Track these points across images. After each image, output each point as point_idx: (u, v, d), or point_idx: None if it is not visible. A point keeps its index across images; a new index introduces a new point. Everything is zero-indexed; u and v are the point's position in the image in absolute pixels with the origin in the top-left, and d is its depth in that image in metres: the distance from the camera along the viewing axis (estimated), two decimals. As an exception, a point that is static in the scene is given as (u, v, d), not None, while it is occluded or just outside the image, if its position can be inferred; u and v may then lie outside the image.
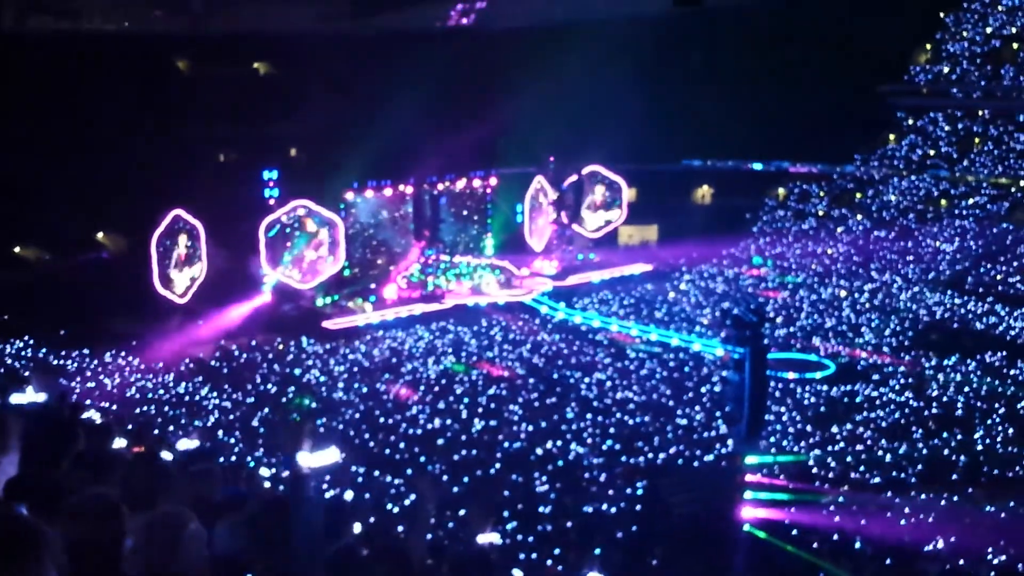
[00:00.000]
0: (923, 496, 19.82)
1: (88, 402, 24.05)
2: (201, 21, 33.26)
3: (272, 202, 36.77)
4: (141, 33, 38.51)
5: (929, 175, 46.17)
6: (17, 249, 35.92)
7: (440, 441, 23.24)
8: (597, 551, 16.71)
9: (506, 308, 37.14)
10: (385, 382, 28.24)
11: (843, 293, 36.93)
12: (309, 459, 5.25)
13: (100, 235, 38.48)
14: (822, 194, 48.16)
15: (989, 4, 49.35)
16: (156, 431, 20.87)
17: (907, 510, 19.03)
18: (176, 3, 30.94)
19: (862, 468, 21.41)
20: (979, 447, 22.47)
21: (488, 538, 8.87)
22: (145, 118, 37.86)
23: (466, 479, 20.77)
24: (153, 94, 38.94)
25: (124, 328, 31.90)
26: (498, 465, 21.58)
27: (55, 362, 28.34)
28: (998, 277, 38.68)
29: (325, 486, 5.66)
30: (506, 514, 18.52)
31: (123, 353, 29.70)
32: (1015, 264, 39.27)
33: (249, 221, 36.43)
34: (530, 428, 24.11)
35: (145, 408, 25.22)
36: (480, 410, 25.50)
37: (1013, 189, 43.74)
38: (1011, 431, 23.43)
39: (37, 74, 35.71)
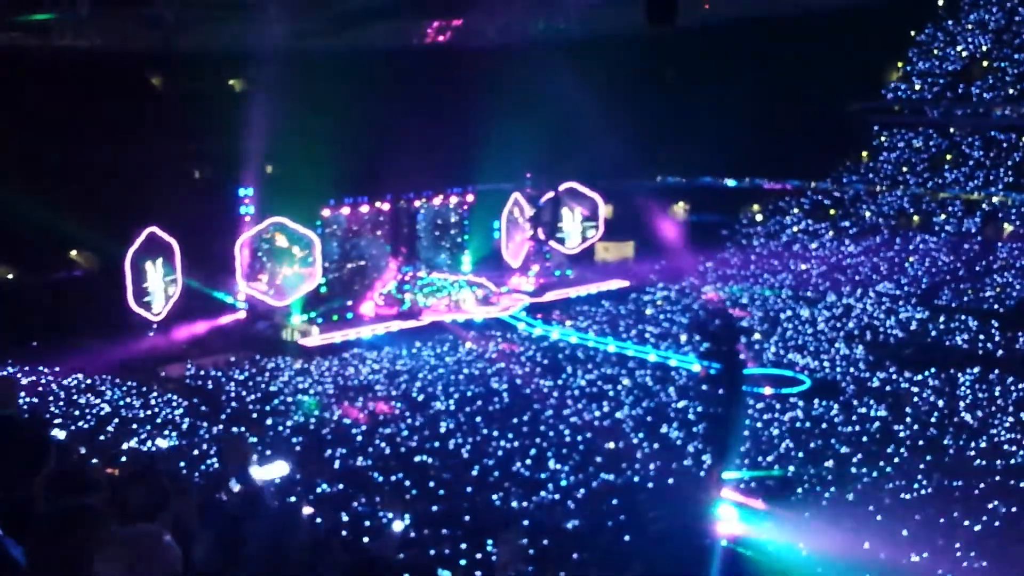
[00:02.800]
0: (899, 511, 19.92)
1: (57, 420, 23.91)
2: (175, 37, 33.08)
3: (247, 219, 36.63)
4: (113, 49, 38.28)
5: (902, 191, 46.61)
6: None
7: (418, 459, 23.14)
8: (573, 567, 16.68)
9: (483, 325, 37.14)
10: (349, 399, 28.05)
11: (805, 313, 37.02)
12: (260, 472, 5.24)
13: (73, 252, 38.16)
14: (796, 210, 48.50)
15: (960, 23, 49.99)
16: (126, 447, 20.71)
17: (880, 519, 19.12)
18: (149, 19, 30.77)
19: (838, 483, 21.49)
20: (948, 460, 22.61)
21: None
22: (118, 135, 37.63)
23: (440, 495, 20.69)
24: (126, 111, 38.71)
25: (97, 345, 31.62)
26: (470, 489, 21.47)
27: (24, 379, 28.01)
28: (970, 292, 39.05)
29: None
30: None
31: (94, 370, 29.41)
32: (987, 280, 39.66)
33: (224, 238, 36.29)
34: (505, 445, 24.04)
35: (115, 425, 24.95)
36: (454, 427, 25.43)
37: (984, 205, 44.22)
38: (983, 444, 23.61)
39: (7, 91, 35.42)
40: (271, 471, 5.11)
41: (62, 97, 37.06)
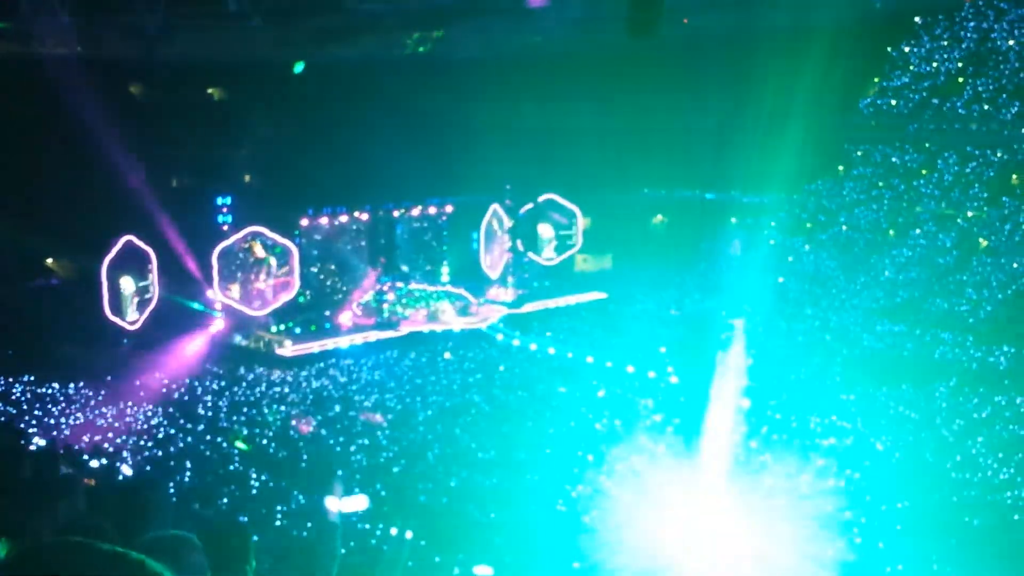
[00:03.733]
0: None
1: (32, 430, 23.71)
2: (155, 46, 32.93)
3: (226, 228, 36.50)
4: (93, 57, 38.07)
5: (877, 206, 46.96)
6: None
7: (396, 470, 23.08)
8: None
9: (461, 335, 37.13)
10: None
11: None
12: (338, 504, 5.19)
13: (49, 260, 37.89)
14: (772, 223, 48.78)
15: (936, 39, 50.46)
16: (104, 459, 20.52)
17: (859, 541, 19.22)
18: (130, 27, 30.64)
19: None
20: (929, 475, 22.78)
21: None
22: (97, 143, 37.45)
23: (421, 502, 20.66)
24: (105, 119, 38.52)
25: (72, 355, 31.39)
26: (445, 500, 21.44)
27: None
28: (945, 306, 39.40)
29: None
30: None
31: (70, 380, 29.19)
32: (962, 294, 40.03)
33: (202, 247, 36.14)
34: (483, 457, 24.02)
35: (93, 436, 24.75)
36: (432, 439, 25.39)
37: (959, 220, 44.62)
38: (959, 458, 23.80)
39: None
40: (353, 504, 5.05)
41: (40, 104, 36.84)
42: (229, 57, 39.06)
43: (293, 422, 26.81)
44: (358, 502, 5.32)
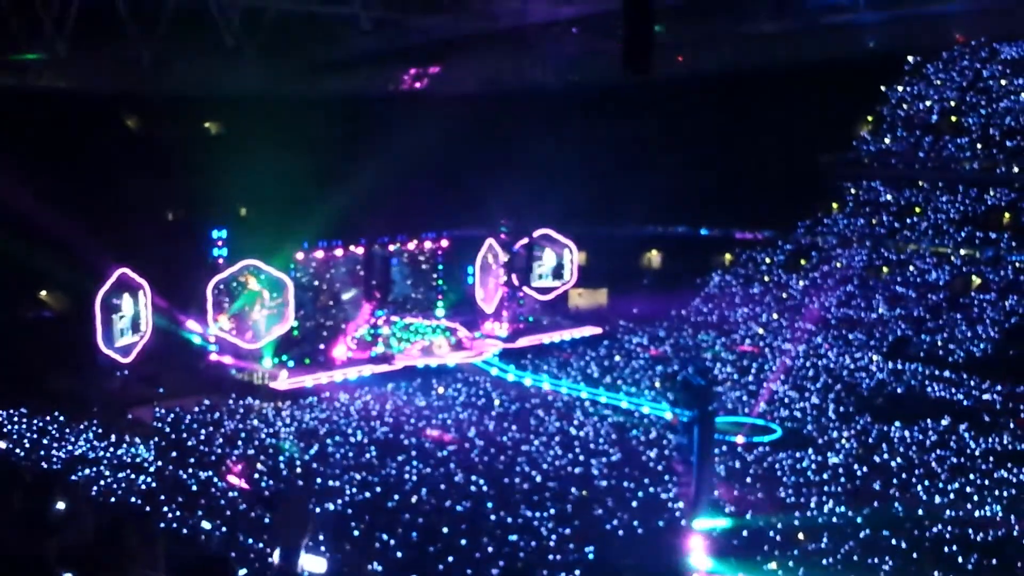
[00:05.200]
0: (869, 561, 19.94)
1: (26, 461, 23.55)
2: (151, 79, 33.11)
3: (221, 261, 36.50)
4: (90, 90, 38.28)
5: (871, 243, 47.14)
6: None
7: (390, 504, 22.93)
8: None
9: (456, 370, 37.05)
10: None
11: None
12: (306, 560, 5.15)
13: (43, 293, 37.83)
14: (768, 260, 48.93)
15: (929, 79, 50.95)
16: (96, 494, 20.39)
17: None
18: (126, 61, 30.84)
19: (809, 532, 21.47)
20: (922, 512, 22.66)
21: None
22: (93, 175, 37.53)
23: (414, 540, 20.52)
24: (101, 151, 38.65)
25: (65, 387, 31.25)
26: (446, 529, 21.31)
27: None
28: (938, 343, 39.43)
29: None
30: None
31: (63, 412, 29.02)
32: (954, 331, 40.08)
33: (197, 280, 36.10)
34: (478, 491, 23.87)
35: (85, 469, 24.57)
36: (428, 473, 25.25)
37: (952, 257, 44.78)
38: (952, 495, 23.71)
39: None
40: (314, 564, 4.99)
41: (36, 137, 36.98)
42: (225, 90, 39.27)
43: (284, 455, 26.64)
44: (317, 564, 5.29)
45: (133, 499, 22.39)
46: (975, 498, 23.51)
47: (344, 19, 28.66)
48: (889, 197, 49.04)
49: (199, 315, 36.21)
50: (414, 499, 23.21)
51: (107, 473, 24.34)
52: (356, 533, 20.91)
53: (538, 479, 24.70)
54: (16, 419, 28.28)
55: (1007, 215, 45.35)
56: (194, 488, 23.74)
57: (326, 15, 29.34)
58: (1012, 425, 29.54)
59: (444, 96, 43.56)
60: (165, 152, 40.13)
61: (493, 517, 22.14)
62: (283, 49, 32.38)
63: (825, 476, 25.15)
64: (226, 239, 36.84)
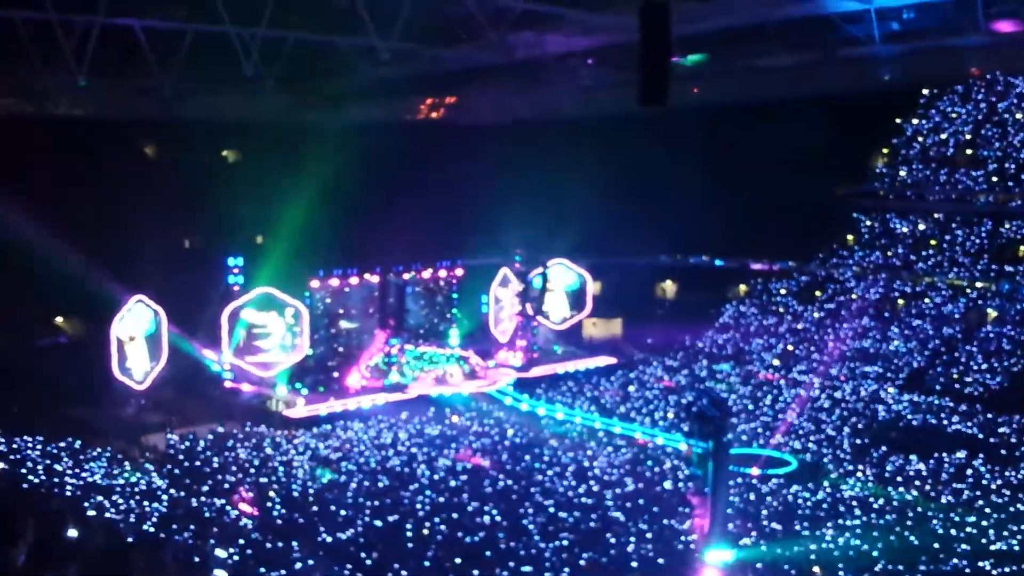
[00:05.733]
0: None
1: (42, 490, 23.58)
2: (170, 107, 33.43)
3: (236, 289, 36.66)
4: (108, 117, 38.66)
5: (886, 275, 46.95)
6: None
7: (403, 534, 22.84)
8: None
9: (470, 399, 37.00)
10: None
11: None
12: None
13: (59, 319, 38.01)
14: (783, 291, 48.77)
15: (944, 111, 50.91)
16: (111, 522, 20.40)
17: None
18: (145, 89, 31.16)
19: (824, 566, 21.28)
20: (937, 545, 22.44)
21: None
22: (109, 202, 37.79)
23: (425, 569, 20.42)
24: (118, 178, 38.93)
25: (80, 415, 31.33)
26: (458, 560, 21.20)
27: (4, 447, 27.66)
28: (954, 376, 39.17)
29: None
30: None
31: (78, 438, 29.06)
32: (970, 364, 39.81)
33: (212, 307, 36.26)
34: (491, 521, 23.77)
35: (99, 498, 24.57)
36: (442, 502, 25.16)
37: (968, 290, 44.55)
38: (968, 528, 23.48)
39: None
40: None
41: (55, 164, 37.28)
42: (243, 119, 39.58)
43: (298, 484, 26.62)
44: None
45: (145, 526, 22.36)
46: (991, 532, 23.29)
47: (362, 49, 28.87)
48: (905, 229, 48.88)
49: (214, 342, 36.34)
50: (426, 530, 23.11)
51: (119, 501, 24.34)
52: (369, 563, 20.83)
53: (551, 509, 24.59)
54: (32, 446, 28.31)
55: (1023, 248, 45.14)
56: (207, 515, 23.73)
57: (344, 45, 29.58)
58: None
59: (461, 126, 43.78)
60: (182, 180, 40.36)
61: (503, 547, 22.04)
62: (301, 78, 32.66)
63: (841, 508, 24.97)
64: (242, 267, 37.04)
